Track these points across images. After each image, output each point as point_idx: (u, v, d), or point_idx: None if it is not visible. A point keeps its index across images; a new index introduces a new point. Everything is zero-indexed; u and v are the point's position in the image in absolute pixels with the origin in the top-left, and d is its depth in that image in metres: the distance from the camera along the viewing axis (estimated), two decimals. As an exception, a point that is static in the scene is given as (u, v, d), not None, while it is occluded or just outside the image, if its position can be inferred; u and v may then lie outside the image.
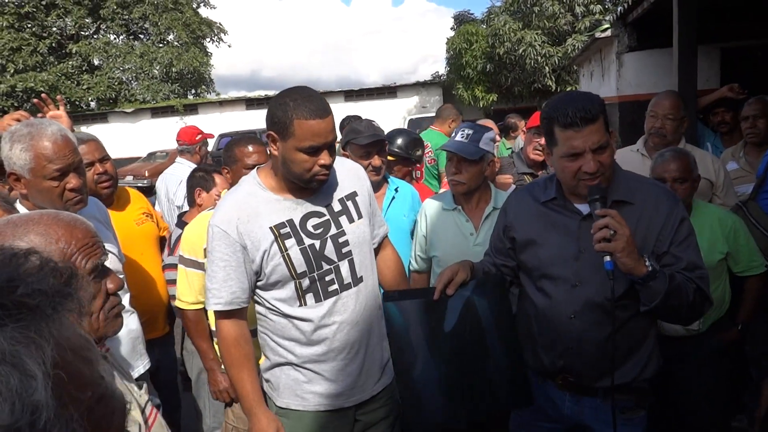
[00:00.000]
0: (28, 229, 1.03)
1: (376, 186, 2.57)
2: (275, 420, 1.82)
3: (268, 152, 1.80)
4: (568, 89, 16.72)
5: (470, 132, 2.40)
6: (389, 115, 20.36)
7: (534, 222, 1.83)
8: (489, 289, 1.82)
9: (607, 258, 1.53)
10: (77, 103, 26.37)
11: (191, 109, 25.54)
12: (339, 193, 1.90)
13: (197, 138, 4.52)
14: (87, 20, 26.80)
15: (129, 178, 16.11)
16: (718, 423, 2.55)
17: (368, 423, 1.95)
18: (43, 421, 0.37)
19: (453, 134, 2.47)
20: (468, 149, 2.34)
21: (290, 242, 1.77)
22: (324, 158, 1.71)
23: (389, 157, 3.23)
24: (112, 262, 1.63)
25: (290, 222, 1.79)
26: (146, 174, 16.21)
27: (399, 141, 3.19)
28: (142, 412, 1.20)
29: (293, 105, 1.67)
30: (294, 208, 1.81)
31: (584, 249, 1.69)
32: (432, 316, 1.75)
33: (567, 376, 1.79)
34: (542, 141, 4.11)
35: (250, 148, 2.47)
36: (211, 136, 4.82)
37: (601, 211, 1.56)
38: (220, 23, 29.22)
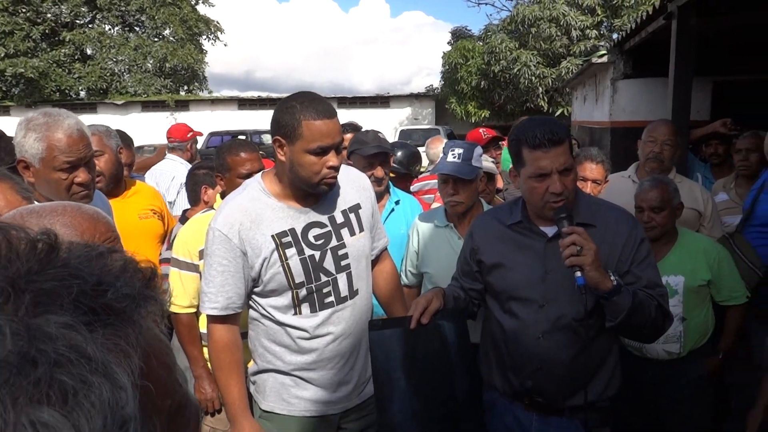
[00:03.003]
0: (53, 220, 1.02)
1: (378, 197, 2.57)
2: (258, 429, 1.81)
3: (275, 157, 1.79)
4: (559, 111, 16.93)
5: (461, 151, 2.39)
6: (381, 125, 20.31)
7: (500, 245, 1.87)
8: (456, 317, 1.85)
9: (578, 274, 1.58)
10: (67, 91, 26.08)
11: (182, 105, 25.38)
12: (342, 205, 1.90)
13: (188, 135, 4.51)
14: (83, 9, 26.56)
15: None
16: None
17: (352, 431, 1.95)
18: None
19: (442, 154, 2.45)
20: (464, 170, 2.35)
21: (291, 252, 1.77)
22: (332, 159, 1.72)
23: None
24: None
25: (292, 231, 1.79)
26: (133, 168, 16.02)
27: (399, 155, 3.19)
28: None
29: (300, 107, 1.68)
30: (297, 217, 1.81)
31: (550, 270, 1.74)
32: (408, 345, 1.76)
33: (535, 396, 1.83)
34: (496, 153, 4.18)
35: (243, 155, 2.41)
36: (200, 134, 4.81)
37: (568, 229, 1.62)
38: (217, 21, 29.12)
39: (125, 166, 2.88)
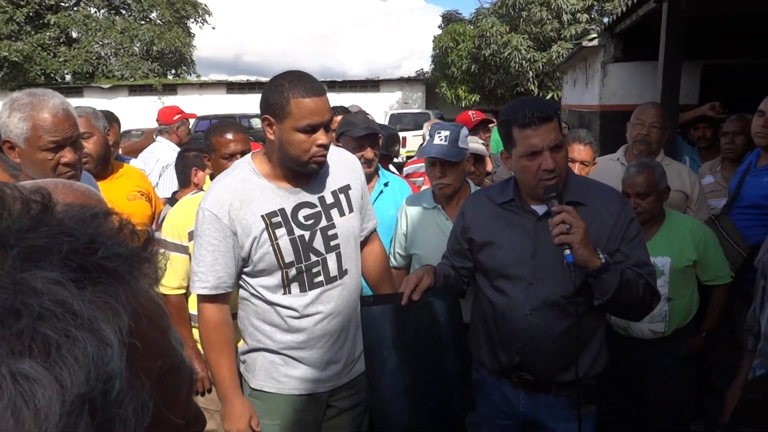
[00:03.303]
0: None
1: (367, 178, 2.57)
2: (249, 407, 1.83)
3: (265, 137, 1.79)
4: (550, 95, 16.95)
5: (447, 133, 2.39)
6: (371, 109, 20.29)
7: (491, 223, 1.88)
8: (447, 294, 1.86)
9: (567, 252, 1.60)
10: (52, 75, 25.73)
11: (170, 89, 25.13)
12: (332, 186, 1.90)
13: (175, 118, 4.49)
14: (67, -9, 26.17)
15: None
16: (680, 426, 2.63)
17: (341, 409, 1.97)
18: (116, 390, 0.36)
19: (429, 137, 2.45)
20: (451, 152, 2.35)
21: (281, 232, 1.78)
22: (321, 137, 1.72)
23: None
24: None
25: (282, 211, 1.79)
26: (120, 152, 15.88)
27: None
28: None
29: (289, 86, 1.68)
30: (287, 197, 1.81)
31: (540, 248, 1.76)
32: (399, 321, 1.77)
33: (523, 374, 1.85)
34: (485, 136, 4.19)
35: (227, 136, 2.39)
36: (194, 116, 4.77)
37: (558, 208, 1.63)
38: (205, 4, 28.76)
39: (111, 145, 2.85)
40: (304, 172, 1.81)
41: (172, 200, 2.78)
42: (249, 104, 20.40)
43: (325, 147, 1.74)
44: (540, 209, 1.79)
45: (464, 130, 2.45)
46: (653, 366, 2.55)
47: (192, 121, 4.85)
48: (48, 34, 25.60)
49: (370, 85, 24.97)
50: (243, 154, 2.33)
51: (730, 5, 4.57)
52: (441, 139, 2.38)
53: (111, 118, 3.02)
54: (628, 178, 2.54)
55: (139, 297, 0.43)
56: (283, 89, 1.68)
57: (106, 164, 2.68)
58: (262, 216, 1.76)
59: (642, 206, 2.49)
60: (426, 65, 25.20)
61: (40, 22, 26.03)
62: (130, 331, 0.39)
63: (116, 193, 2.58)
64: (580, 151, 2.99)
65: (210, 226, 1.75)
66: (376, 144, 2.72)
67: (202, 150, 2.87)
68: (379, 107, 21.56)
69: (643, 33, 5.74)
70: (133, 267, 0.43)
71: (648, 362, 2.56)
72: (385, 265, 2.20)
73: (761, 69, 6.17)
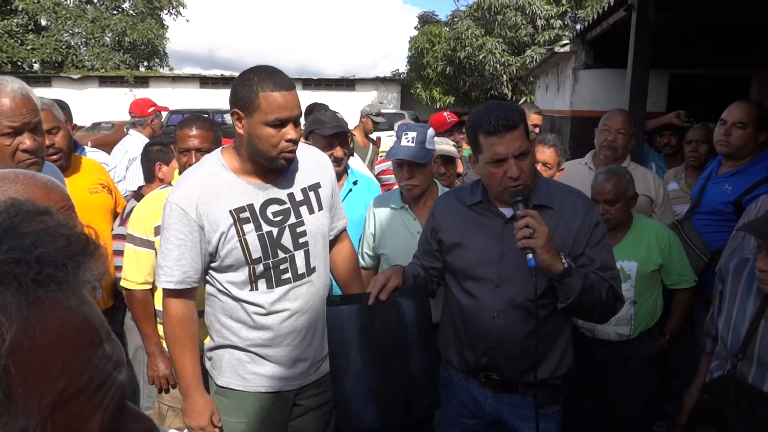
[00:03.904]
0: (5, 188, 0.99)
1: (336, 177, 2.57)
2: (211, 402, 1.82)
3: (235, 131, 1.77)
4: (523, 99, 17.15)
5: (414, 135, 2.40)
6: (347, 108, 20.24)
7: (460, 225, 1.90)
8: (416, 294, 1.87)
9: (530, 256, 1.62)
10: (20, 63, 25.05)
11: (142, 81, 24.68)
12: (302, 183, 1.89)
13: (149, 111, 4.41)
14: (36, -23, 25.48)
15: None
16: (642, 426, 2.69)
17: (308, 407, 1.97)
18: None
19: (396, 138, 2.45)
20: (419, 154, 2.36)
21: (248, 227, 1.76)
22: (290, 132, 1.71)
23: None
24: None
25: (250, 207, 1.78)
26: (89, 144, 15.54)
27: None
28: None
29: (258, 79, 1.67)
30: (255, 193, 1.80)
31: (507, 251, 1.78)
32: (365, 321, 1.77)
33: (490, 373, 1.87)
34: (460, 137, 4.23)
35: (186, 130, 2.35)
36: (166, 109, 4.70)
37: (522, 212, 1.66)
38: (179, -4, 28.32)
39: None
40: (273, 168, 1.79)
41: (137, 195, 2.74)
42: (222, 99, 20.05)
43: (294, 142, 1.73)
44: (508, 212, 1.81)
45: (431, 131, 2.47)
46: (618, 367, 2.60)
47: (164, 114, 4.78)
48: (15, 20, 24.87)
49: (346, 84, 24.90)
50: (202, 151, 2.29)
51: (696, 16, 4.69)
52: (408, 141, 2.39)
53: (61, 106, 2.95)
54: (597, 185, 2.58)
55: (48, 309, 0.38)
56: (252, 83, 1.67)
57: (69, 158, 2.62)
58: (230, 211, 1.75)
59: (610, 213, 2.53)
60: (402, 66, 25.25)
61: (7, 8, 25.26)
62: (12, 348, 0.35)
63: (78, 187, 2.52)
64: (543, 152, 3.03)
65: (177, 220, 1.73)
66: (346, 143, 2.71)
67: (166, 144, 2.84)
68: (354, 106, 21.46)
69: (613, 41, 5.84)
70: (47, 275, 0.38)
71: (613, 363, 2.60)
72: (355, 265, 2.20)
73: (725, 79, 6.35)
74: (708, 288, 2.83)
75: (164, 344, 2.31)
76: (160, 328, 2.33)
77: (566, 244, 1.77)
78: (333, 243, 2.08)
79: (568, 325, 1.92)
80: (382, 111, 5.96)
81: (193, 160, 2.28)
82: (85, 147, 3.34)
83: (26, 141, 1.73)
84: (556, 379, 1.88)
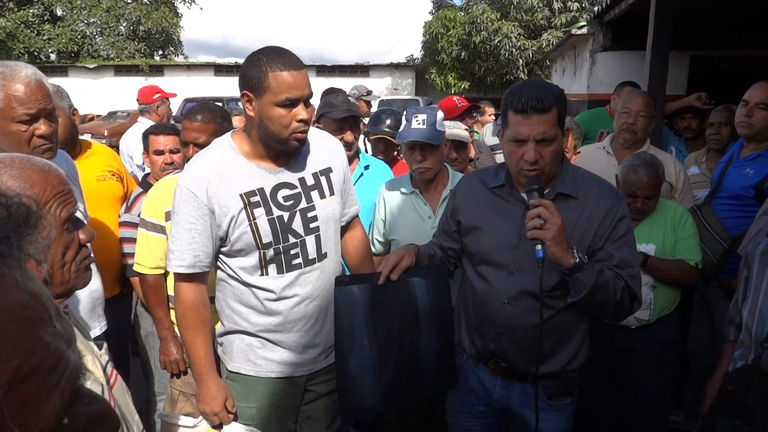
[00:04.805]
0: (1, 172, 0.98)
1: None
2: (225, 388, 1.81)
3: (245, 114, 1.75)
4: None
5: (424, 117, 2.36)
6: (361, 94, 20.22)
7: (480, 208, 1.85)
8: (431, 275, 1.84)
9: (539, 247, 1.57)
10: (36, 54, 25.28)
11: (157, 70, 24.81)
12: (313, 167, 1.87)
13: (154, 97, 4.43)
14: (52, -33, 25.64)
15: (87, 136, 15.54)
16: (660, 415, 2.65)
17: (319, 393, 1.96)
18: None
19: (405, 122, 2.42)
20: (432, 135, 2.32)
21: (259, 211, 1.74)
22: (301, 112, 1.68)
23: (373, 136, 3.19)
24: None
25: (261, 191, 1.76)
26: (105, 133, 15.70)
27: (388, 122, 3.15)
28: (104, 371, 1.16)
29: (267, 60, 1.65)
30: (266, 177, 1.78)
31: (524, 238, 1.70)
32: (375, 301, 1.75)
33: (499, 361, 1.84)
34: (471, 122, 4.15)
35: (187, 122, 2.33)
36: (173, 95, 4.70)
37: (536, 201, 1.60)
38: (192, -16, 28.33)
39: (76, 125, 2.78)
40: (285, 150, 1.76)
41: (144, 183, 2.74)
42: (237, 87, 20.08)
43: (306, 122, 1.70)
44: (528, 199, 1.74)
45: (440, 114, 2.43)
46: (635, 353, 2.56)
47: (177, 102, 4.78)
48: (32, 11, 25.09)
49: (360, 70, 24.80)
50: (199, 145, 2.26)
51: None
52: (419, 123, 2.35)
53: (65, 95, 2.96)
54: (639, 180, 2.48)
55: None
56: (261, 63, 1.65)
57: (73, 144, 2.62)
58: (241, 195, 1.73)
59: (648, 205, 2.49)
60: (417, 51, 25.08)
61: (24, -2, 25.53)
62: None
63: (85, 173, 2.52)
64: None
65: (187, 204, 1.72)
66: (357, 127, 2.68)
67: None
68: (368, 93, 21.37)
69: (632, 22, 5.72)
70: (0, 245, 0.37)
71: (631, 350, 2.56)
72: (367, 251, 2.17)
73: (748, 61, 6.19)
74: (728, 275, 2.77)
75: (176, 329, 2.31)
76: (172, 313, 2.33)
77: (586, 237, 1.71)
78: (345, 229, 2.05)
79: (585, 318, 1.86)
80: (397, 97, 5.95)
81: (190, 153, 2.26)
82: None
83: (42, 127, 1.73)
84: (570, 372, 1.84)
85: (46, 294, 0.41)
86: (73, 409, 0.43)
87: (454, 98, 4.38)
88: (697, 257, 2.56)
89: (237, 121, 2.75)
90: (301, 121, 1.68)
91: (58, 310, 0.41)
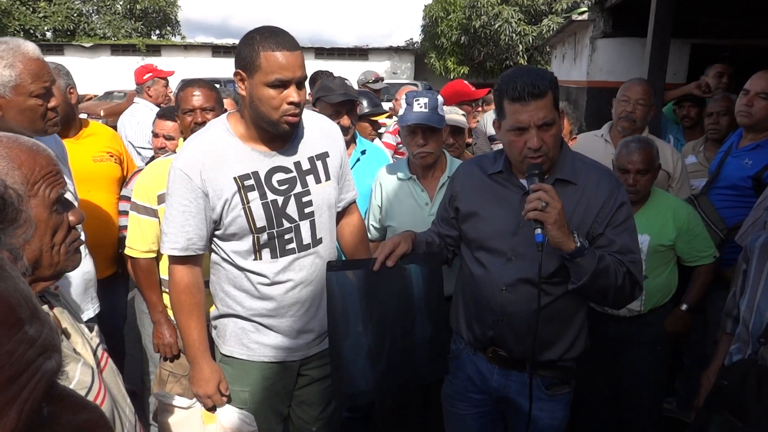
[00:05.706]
0: None
1: (345, 146, 2.53)
2: (218, 371, 1.81)
3: (239, 94, 1.73)
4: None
5: (426, 100, 2.33)
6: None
7: (478, 194, 1.84)
8: (426, 262, 1.83)
9: (538, 231, 1.56)
10: (32, 31, 24.99)
11: (154, 50, 24.59)
12: (309, 152, 1.84)
13: (145, 77, 4.36)
14: (48, -57, 25.26)
15: (83, 115, 15.40)
16: (652, 404, 2.66)
17: (313, 378, 1.96)
18: None
19: (407, 105, 2.39)
20: (433, 119, 2.30)
21: (253, 195, 1.73)
22: (292, 95, 1.65)
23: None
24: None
25: (255, 174, 1.74)
26: (101, 113, 15.59)
27: (364, 103, 3.24)
28: (94, 354, 1.15)
29: (260, 38, 1.62)
30: (261, 160, 1.75)
31: (523, 224, 1.70)
32: (370, 287, 1.74)
33: (497, 349, 1.83)
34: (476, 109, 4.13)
35: (188, 89, 2.31)
36: (170, 73, 4.63)
37: (536, 186, 1.59)
38: (190, -37, 27.99)
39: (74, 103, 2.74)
40: (277, 133, 1.73)
41: (150, 163, 2.72)
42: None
43: (297, 105, 1.67)
44: (528, 184, 1.73)
45: (440, 98, 2.40)
46: (628, 343, 2.57)
47: (174, 82, 4.71)
48: (27, -13, 24.79)
49: (359, 53, 24.62)
50: (206, 109, 2.29)
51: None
52: (420, 106, 2.32)
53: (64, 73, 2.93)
54: (629, 155, 2.48)
55: None
56: (254, 42, 1.62)
57: (69, 123, 2.59)
58: (235, 178, 1.71)
59: (640, 183, 2.47)
60: (416, 35, 24.86)
61: (19, -26, 25.17)
62: None
63: (81, 153, 2.49)
64: None
65: (181, 186, 1.70)
66: (354, 111, 2.65)
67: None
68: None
69: (633, 9, 5.67)
70: None
71: (624, 340, 2.57)
72: (363, 238, 2.16)
73: (749, 50, 6.15)
74: (723, 265, 2.77)
75: (170, 313, 2.30)
76: (166, 297, 2.32)
77: (585, 223, 1.70)
78: (341, 215, 2.04)
79: (583, 307, 1.85)
80: (396, 81, 5.85)
81: (199, 119, 2.25)
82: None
83: (54, 100, 1.74)
84: (568, 361, 1.83)
85: (21, 295, 0.37)
86: (58, 418, 0.39)
87: (466, 83, 4.31)
88: (712, 251, 2.59)
89: (227, 104, 2.73)
90: (291, 103, 1.65)
91: (36, 312, 0.37)
